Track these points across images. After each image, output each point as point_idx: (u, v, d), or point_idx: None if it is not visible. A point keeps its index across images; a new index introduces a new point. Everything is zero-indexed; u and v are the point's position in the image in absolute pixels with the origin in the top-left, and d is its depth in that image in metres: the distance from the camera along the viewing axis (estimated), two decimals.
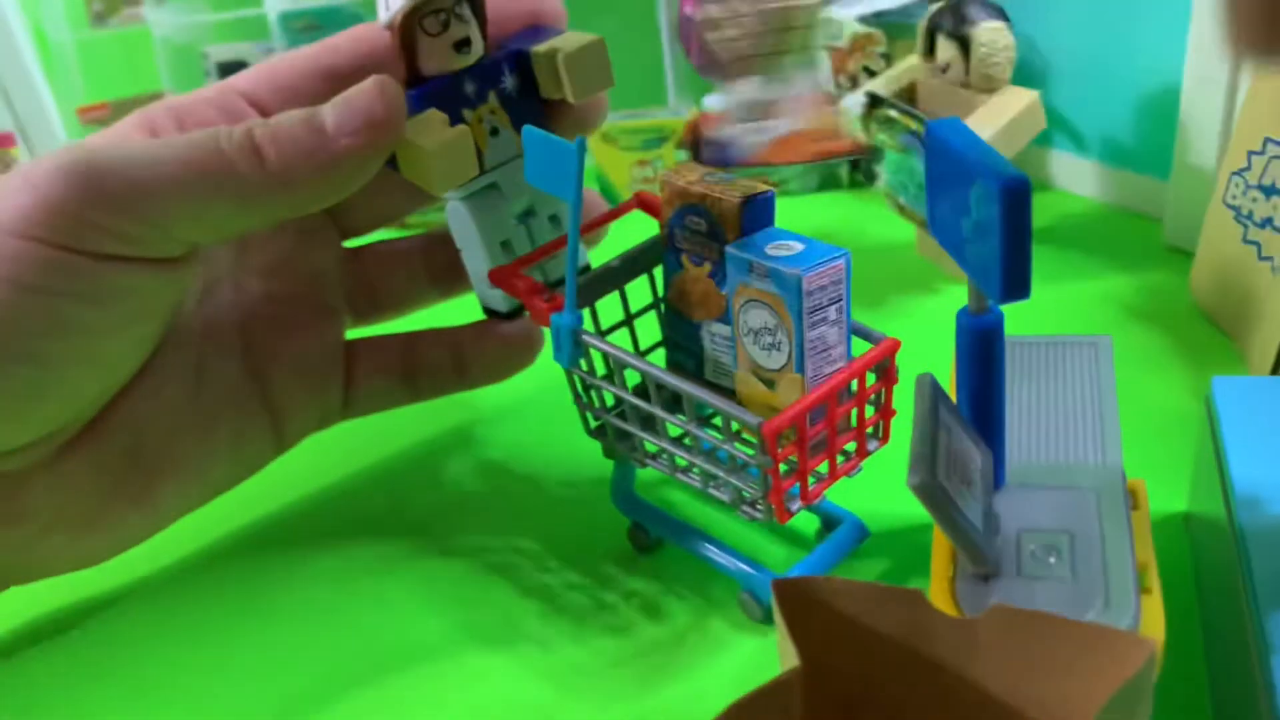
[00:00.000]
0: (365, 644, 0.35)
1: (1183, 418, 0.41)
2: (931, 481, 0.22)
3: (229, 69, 0.81)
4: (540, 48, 0.35)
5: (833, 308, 0.29)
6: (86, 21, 0.89)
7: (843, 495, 0.36)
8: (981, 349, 0.25)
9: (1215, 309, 0.47)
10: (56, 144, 0.89)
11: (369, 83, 0.32)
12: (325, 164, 0.32)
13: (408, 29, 0.33)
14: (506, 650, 0.34)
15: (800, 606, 0.20)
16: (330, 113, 0.32)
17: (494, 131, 0.35)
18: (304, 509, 0.42)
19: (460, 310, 0.42)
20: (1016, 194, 0.20)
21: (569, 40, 0.35)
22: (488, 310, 0.39)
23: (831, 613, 0.19)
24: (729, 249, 0.30)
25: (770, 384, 0.30)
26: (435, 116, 0.33)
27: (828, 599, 0.19)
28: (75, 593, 0.38)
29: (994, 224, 0.20)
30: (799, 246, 0.29)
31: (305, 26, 0.76)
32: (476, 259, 0.37)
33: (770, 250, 0.29)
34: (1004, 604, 0.19)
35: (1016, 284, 0.21)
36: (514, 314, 0.39)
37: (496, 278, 0.35)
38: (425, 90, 0.34)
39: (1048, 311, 0.50)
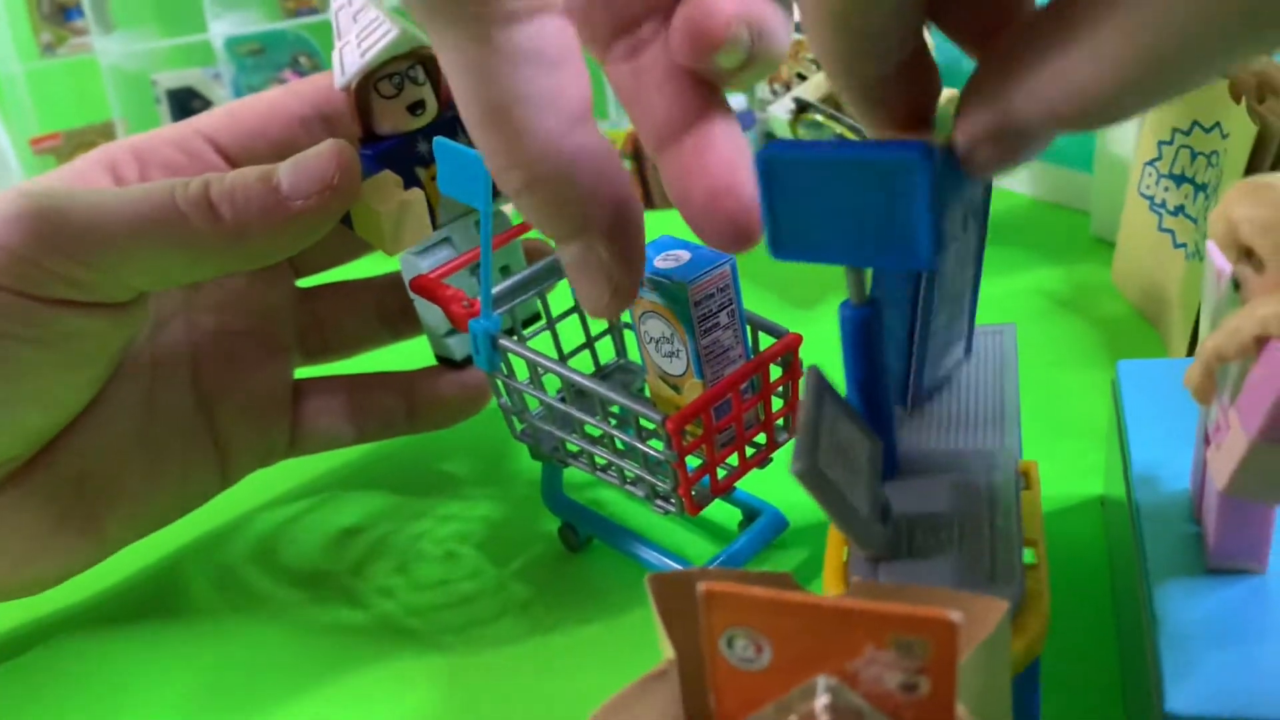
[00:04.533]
0: (294, 647, 0.35)
1: (1104, 404, 0.42)
2: (813, 468, 0.23)
3: (177, 96, 0.81)
4: None
5: (723, 313, 0.30)
6: (36, 53, 0.89)
7: (763, 487, 0.36)
8: (863, 339, 0.26)
9: (1136, 297, 0.48)
10: (10, 174, 0.90)
11: (326, 146, 0.33)
12: (278, 223, 0.32)
13: (363, 91, 0.34)
14: (436, 651, 0.34)
15: (674, 599, 0.20)
16: (286, 173, 0.33)
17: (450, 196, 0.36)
18: (237, 517, 0.42)
19: (410, 353, 0.43)
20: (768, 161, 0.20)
21: None
22: (441, 359, 0.40)
23: None
24: None
25: (677, 389, 0.31)
26: (390, 179, 0.34)
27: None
28: (19, 616, 0.39)
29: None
30: (685, 255, 0.30)
31: (250, 51, 0.77)
32: (431, 313, 0.37)
33: (658, 262, 0.30)
34: (863, 580, 0.20)
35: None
36: (467, 363, 0.39)
37: (418, 286, 0.36)
38: (380, 149, 0.35)
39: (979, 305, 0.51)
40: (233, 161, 0.38)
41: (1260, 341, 0.21)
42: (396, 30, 0.33)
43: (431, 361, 0.41)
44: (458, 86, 0.23)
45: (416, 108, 0.35)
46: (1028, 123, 0.19)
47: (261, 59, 0.79)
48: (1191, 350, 0.42)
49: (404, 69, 0.34)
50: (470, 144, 0.33)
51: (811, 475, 0.23)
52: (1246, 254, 0.23)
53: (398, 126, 0.35)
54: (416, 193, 0.34)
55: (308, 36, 0.80)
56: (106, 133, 0.89)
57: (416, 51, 0.34)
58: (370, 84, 0.34)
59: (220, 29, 0.80)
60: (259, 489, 0.44)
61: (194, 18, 0.80)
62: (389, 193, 0.34)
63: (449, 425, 0.42)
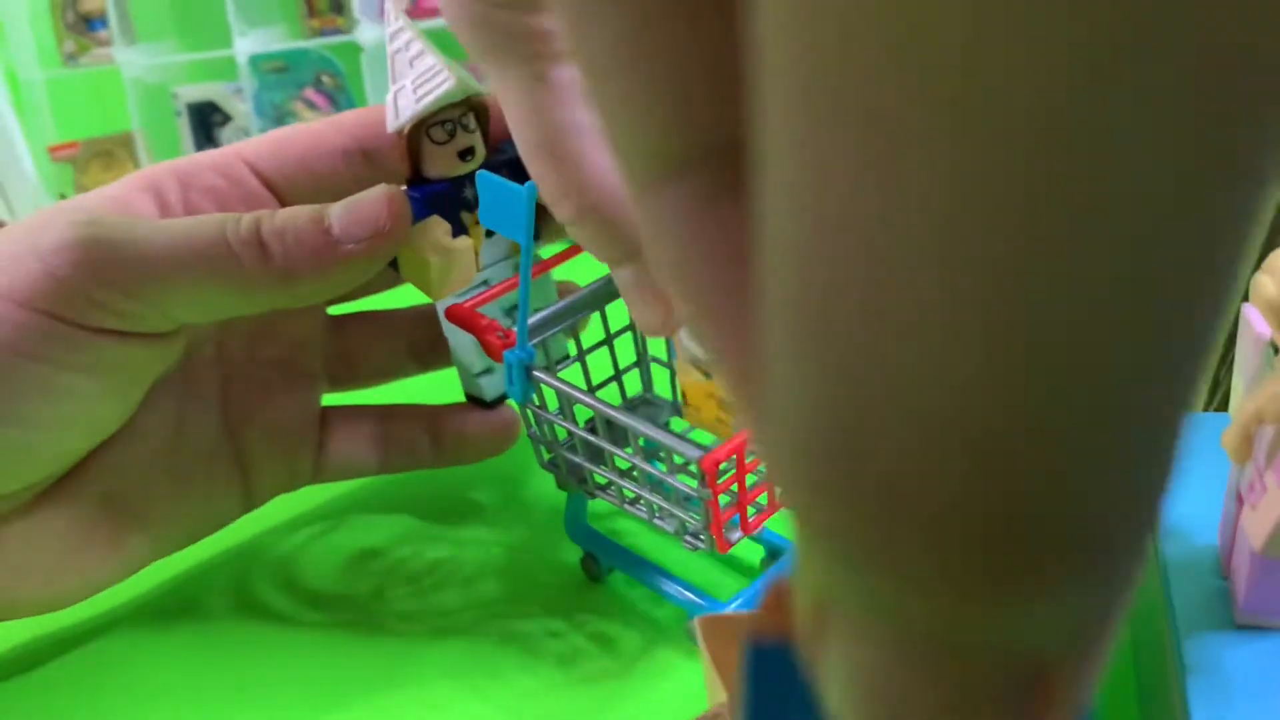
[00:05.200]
0: (312, 669, 0.35)
1: None
2: None
3: (198, 109, 0.82)
4: None
5: None
6: (58, 61, 0.90)
7: (787, 525, 0.37)
8: None
9: None
10: (27, 180, 0.90)
11: (378, 191, 0.33)
12: (327, 266, 0.33)
13: (414, 135, 0.34)
14: (458, 679, 0.34)
15: (724, 641, 0.21)
16: (338, 215, 0.33)
17: (489, 233, 0.37)
18: (253, 531, 0.43)
19: (440, 385, 0.43)
20: None
21: None
22: (471, 398, 0.40)
23: None
24: None
25: (707, 375, 0.31)
26: (438, 224, 0.35)
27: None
28: (36, 630, 0.39)
29: None
30: None
31: (273, 68, 0.77)
32: (465, 352, 0.38)
33: None
34: None
35: None
36: (497, 403, 0.40)
37: (453, 315, 0.36)
38: (427, 193, 0.35)
39: None
40: (275, 189, 0.38)
41: None
42: (454, 79, 0.33)
43: (461, 397, 0.41)
44: (513, 118, 0.24)
45: (466, 154, 0.35)
46: None
47: (284, 76, 0.80)
48: (1208, 403, 0.43)
49: (457, 116, 0.35)
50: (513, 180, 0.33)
51: None
52: None
53: (446, 171, 0.35)
54: (465, 240, 0.34)
55: (331, 56, 0.81)
56: (125, 143, 0.90)
57: (470, 100, 0.35)
58: (423, 129, 0.34)
59: (245, 46, 0.80)
60: (278, 509, 0.44)
61: (218, 33, 0.81)
62: (437, 239, 0.34)
63: (473, 462, 0.42)
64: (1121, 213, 0.07)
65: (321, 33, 0.78)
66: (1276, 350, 0.24)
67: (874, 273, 0.07)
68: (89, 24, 0.85)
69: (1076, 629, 0.08)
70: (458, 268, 0.34)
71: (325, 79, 0.77)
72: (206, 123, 0.79)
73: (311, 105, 0.72)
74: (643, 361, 0.39)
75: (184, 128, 0.80)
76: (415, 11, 0.75)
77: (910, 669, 0.08)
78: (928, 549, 0.08)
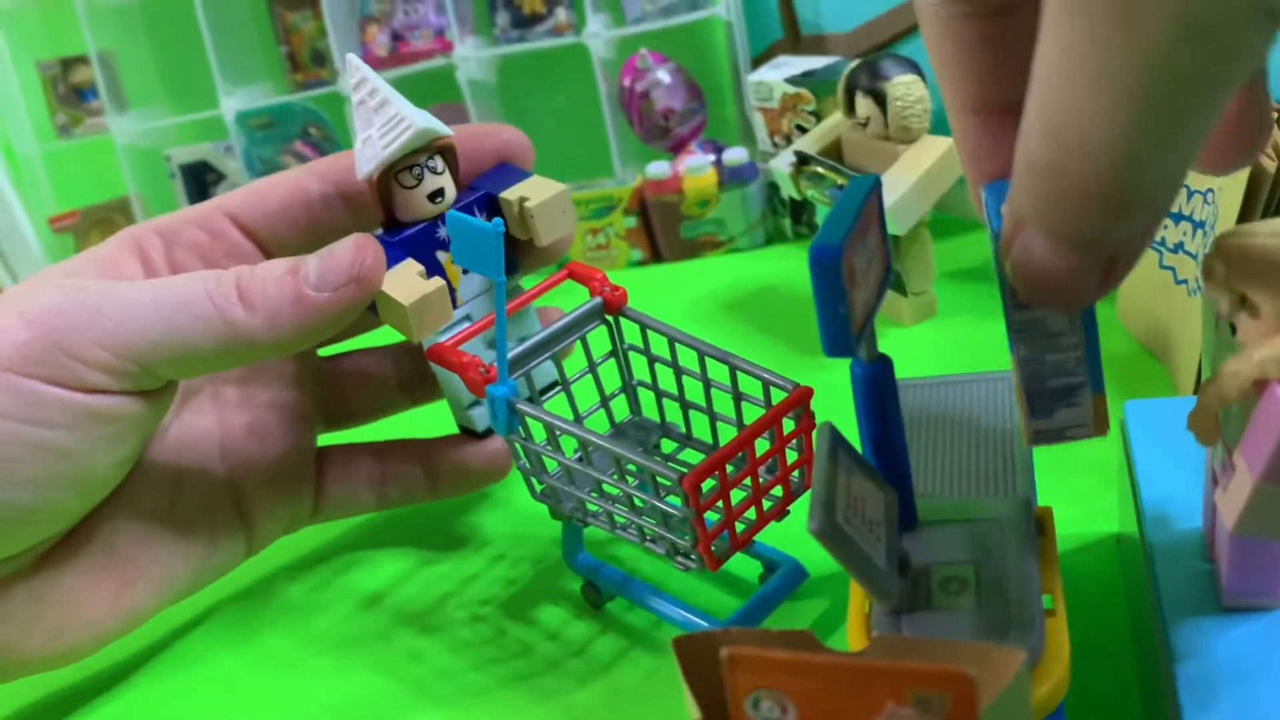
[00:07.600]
0: (322, 714, 0.36)
1: (1116, 443, 0.42)
2: (830, 525, 0.23)
3: (191, 170, 0.83)
4: (510, 194, 0.37)
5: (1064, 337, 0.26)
6: (52, 134, 0.91)
7: (782, 539, 0.37)
8: (875, 395, 0.26)
9: (1142, 333, 0.49)
10: (30, 254, 0.91)
11: (351, 240, 0.34)
12: (305, 315, 0.33)
13: (384, 181, 0.35)
14: (465, 713, 0.35)
15: (699, 659, 0.21)
16: (313, 266, 0.34)
17: (466, 270, 0.37)
18: (259, 577, 0.43)
19: (434, 419, 0.44)
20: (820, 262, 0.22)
21: (536, 189, 0.37)
22: (463, 429, 0.41)
23: None
24: None
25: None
26: (412, 268, 0.35)
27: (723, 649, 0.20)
28: (46, 686, 0.39)
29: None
30: None
31: (260, 124, 0.79)
32: (454, 385, 0.38)
33: None
34: (884, 635, 0.20)
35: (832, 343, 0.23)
36: (489, 433, 0.40)
37: (434, 354, 0.37)
38: (401, 237, 0.36)
39: (985, 346, 0.52)
40: (256, 239, 0.39)
41: (1259, 385, 0.22)
42: (416, 126, 0.34)
43: (454, 430, 0.42)
44: None
45: (436, 196, 0.36)
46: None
47: (272, 131, 0.81)
48: (1199, 386, 0.43)
49: (423, 160, 0.35)
50: (486, 220, 0.34)
51: (828, 532, 0.23)
52: (1240, 300, 0.23)
53: (418, 214, 0.36)
54: (438, 281, 0.35)
55: (316, 108, 0.82)
56: (123, 209, 0.91)
57: (435, 143, 0.35)
58: (391, 175, 0.35)
59: (231, 104, 0.82)
60: (281, 552, 0.44)
61: (205, 94, 0.82)
62: (412, 283, 0.35)
63: (469, 493, 0.43)
64: None
65: (305, 85, 0.79)
66: (1234, 330, 0.24)
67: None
68: (80, 95, 0.86)
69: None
70: (433, 308, 0.35)
71: (313, 130, 0.78)
72: (200, 182, 0.80)
73: (301, 158, 0.73)
74: (628, 386, 0.39)
75: (179, 189, 0.81)
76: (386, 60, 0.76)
77: (1055, 253, 0.20)
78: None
